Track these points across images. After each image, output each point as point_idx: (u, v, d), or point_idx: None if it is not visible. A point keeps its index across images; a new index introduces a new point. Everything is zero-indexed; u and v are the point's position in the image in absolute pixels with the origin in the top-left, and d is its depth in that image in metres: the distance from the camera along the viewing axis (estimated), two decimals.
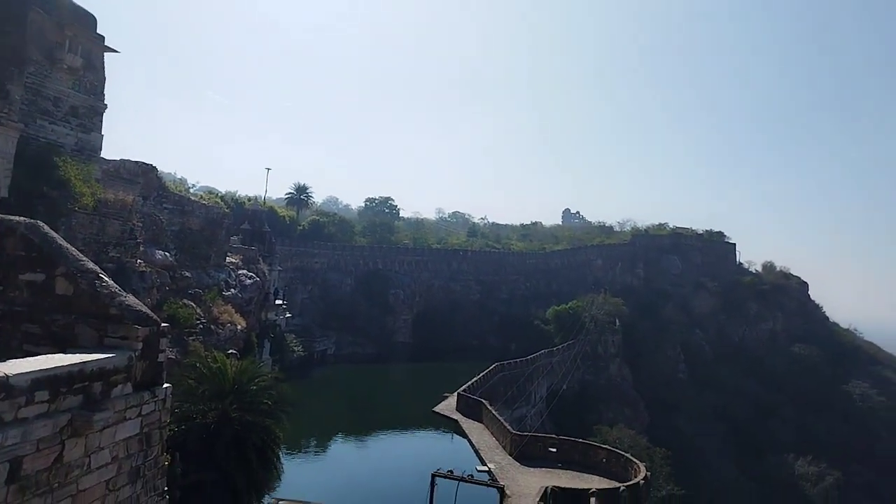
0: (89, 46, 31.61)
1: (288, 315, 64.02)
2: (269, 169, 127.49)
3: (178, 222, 40.25)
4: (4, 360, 7.21)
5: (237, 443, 22.05)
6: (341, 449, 48.09)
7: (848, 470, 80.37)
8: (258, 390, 24.05)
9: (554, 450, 32.75)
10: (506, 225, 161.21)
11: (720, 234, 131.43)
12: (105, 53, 33.08)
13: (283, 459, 25.97)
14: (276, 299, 58.14)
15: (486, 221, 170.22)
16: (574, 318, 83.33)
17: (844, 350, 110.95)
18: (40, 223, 10.26)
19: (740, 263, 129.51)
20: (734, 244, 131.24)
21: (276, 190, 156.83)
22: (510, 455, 32.79)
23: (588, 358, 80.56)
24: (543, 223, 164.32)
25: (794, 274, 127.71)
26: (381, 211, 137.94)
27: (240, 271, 45.84)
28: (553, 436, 35.93)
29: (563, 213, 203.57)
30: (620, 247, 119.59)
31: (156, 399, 9.84)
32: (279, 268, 64.53)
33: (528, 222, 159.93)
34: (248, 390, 23.75)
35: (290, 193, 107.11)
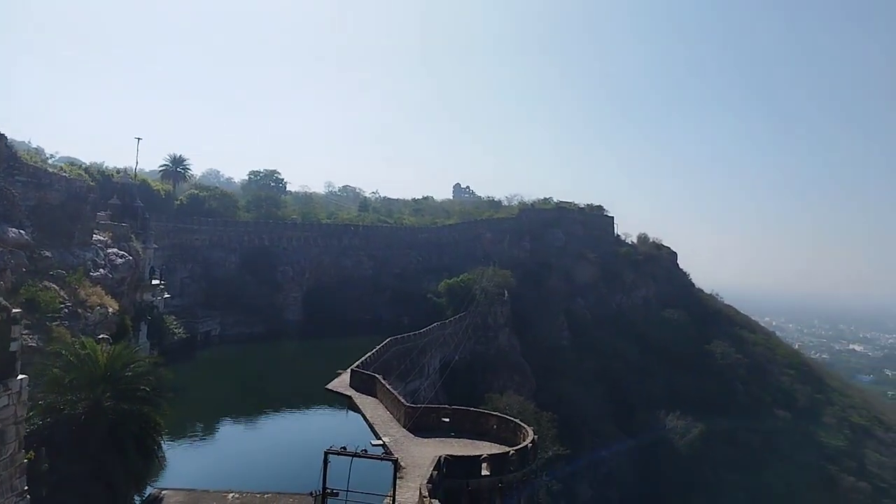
0: None
1: (167, 296, 60.42)
2: (139, 139, 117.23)
3: (34, 196, 36.43)
4: None
5: (112, 433, 20.65)
6: (230, 432, 46.32)
7: (710, 421, 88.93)
8: (134, 376, 22.63)
9: (447, 420, 33.35)
10: (398, 199, 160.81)
11: (600, 207, 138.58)
12: None
13: (165, 448, 24.69)
14: (152, 279, 54.65)
15: (377, 196, 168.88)
16: (465, 290, 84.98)
17: (707, 313, 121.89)
18: None
19: (618, 235, 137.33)
20: (612, 217, 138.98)
21: (150, 162, 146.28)
22: (405, 428, 33.00)
23: (479, 329, 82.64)
24: (435, 197, 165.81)
25: (665, 245, 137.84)
26: (266, 185, 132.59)
27: (109, 250, 42.44)
28: (446, 406, 36.53)
29: (454, 187, 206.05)
30: (508, 221, 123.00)
31: (9, 392, 8.80)
32: (155, 245, 60.47)
33: (420, 197, 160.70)
34: (123, 377, 22.26)
35: (165, 165, 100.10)
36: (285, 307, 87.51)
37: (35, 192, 36.79)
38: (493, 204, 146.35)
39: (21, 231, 31.52)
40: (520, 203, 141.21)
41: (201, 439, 43.11)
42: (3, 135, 35.67)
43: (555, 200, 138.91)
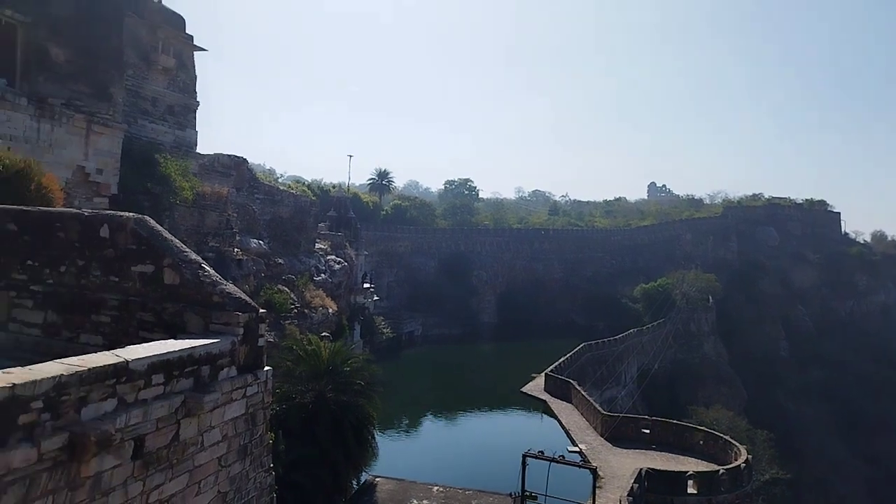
0: (180, 47, 33.20)
1: (376, 298, 65.26)
2: (350, 156, 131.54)
3: (269, 212, 41.92)
4: (123, 347, 7.72)
5: (334, 422, 22.85)
6: (432, 428, 48.96)
7: None
8: (351, 371, 24.77)
9: (647, 431, 31.94)
10: (588, 202, 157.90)
11: (822, 202, 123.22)
12: (194, 52, 34.66)
13: (377, 438, 26.67)
14: (363, 283, 59.45)
15: (567, 199, 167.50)
16: (664, 295, 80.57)
17: None
18: (147, 217, 10.87)
19: (846, 234, 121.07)
20: (838, 213, 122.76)
21: (359, 176, 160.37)
22: (601, 436, 32.29)
23: (680, 336, 77.81)
24: (628, 198, 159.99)
25: None
26: (460, 193, 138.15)
27: (328, 257, 47.29)
28: (646, 417, 35.03)
29: (649, 186, 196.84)
30: (711, 220, 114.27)
31: (258, 381, 10.25)
32: (365, 252, 65.99)
33: (612, 198, 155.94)
34: (342, 371, 24.52)
35: (372, 179, 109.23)
36: (480, 310, 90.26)
37: (270, 207, 42.37)
38: (694, 202, 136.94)
39: (260, 242, 36.55)
40: (724, 200, 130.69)
41: (407, 433, 46.12)
42: (245, 160, 41.68)
43: (766, 196, 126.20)
